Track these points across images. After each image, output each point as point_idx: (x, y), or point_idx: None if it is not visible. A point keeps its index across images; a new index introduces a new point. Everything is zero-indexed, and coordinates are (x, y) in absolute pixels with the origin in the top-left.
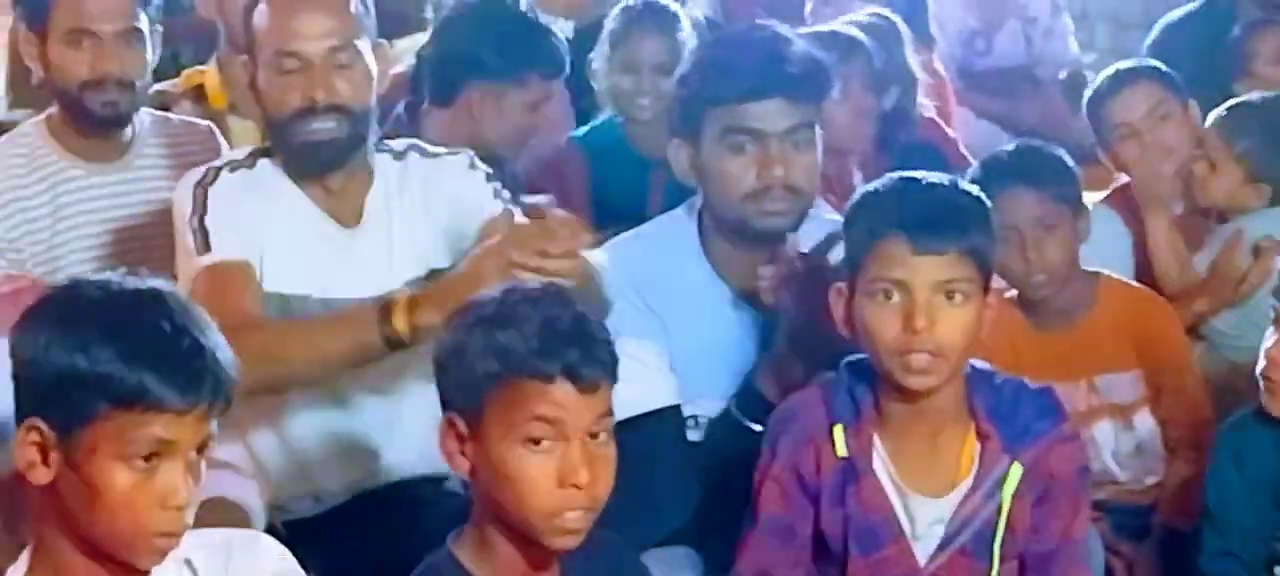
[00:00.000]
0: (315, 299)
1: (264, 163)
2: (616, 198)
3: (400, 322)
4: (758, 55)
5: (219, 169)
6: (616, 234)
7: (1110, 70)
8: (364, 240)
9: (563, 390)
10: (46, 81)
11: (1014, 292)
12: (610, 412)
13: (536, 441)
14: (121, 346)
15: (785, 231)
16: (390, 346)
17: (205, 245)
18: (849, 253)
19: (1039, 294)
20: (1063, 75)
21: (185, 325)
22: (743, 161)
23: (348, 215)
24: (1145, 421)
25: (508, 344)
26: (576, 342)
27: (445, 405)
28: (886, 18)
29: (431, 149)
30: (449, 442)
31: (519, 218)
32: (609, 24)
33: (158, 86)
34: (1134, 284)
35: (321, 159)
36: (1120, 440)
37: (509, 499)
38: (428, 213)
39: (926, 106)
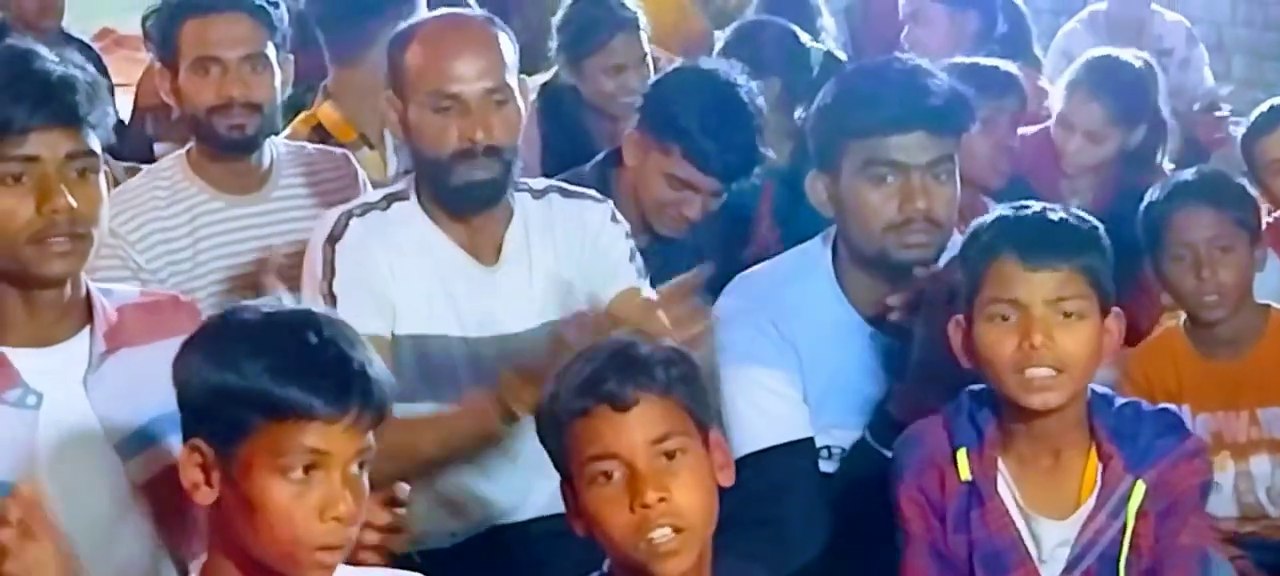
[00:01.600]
0: (455, 337)
1: (399, 205)
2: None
3: (517, 406)
4: (899, 87)
5: (350, 215)
6: None
7: (1266, 106)
8: (504, 278)
9: (602, 416)
10: (180, 113)
11: (1182, 318)
12: (677, 426)
13: (605, 475)
14: (269, 360)
15: (925, 262)
16: (508, 425)
17: None
18: (965, 281)
19: (1210, 316)
20: (1197, 106)
21: (333, 338)
22: (884, 193)
23: (487, 253)
24: None
25: (554, 393)
26: (612, 367)
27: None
28: (1148, 62)
29: (572, 188)
30: (566, 502)
31: (647, 292)
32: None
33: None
34: None
35: (478, 200)
36: (1277, 476)
37: (602, 539)
38: (567, 253)
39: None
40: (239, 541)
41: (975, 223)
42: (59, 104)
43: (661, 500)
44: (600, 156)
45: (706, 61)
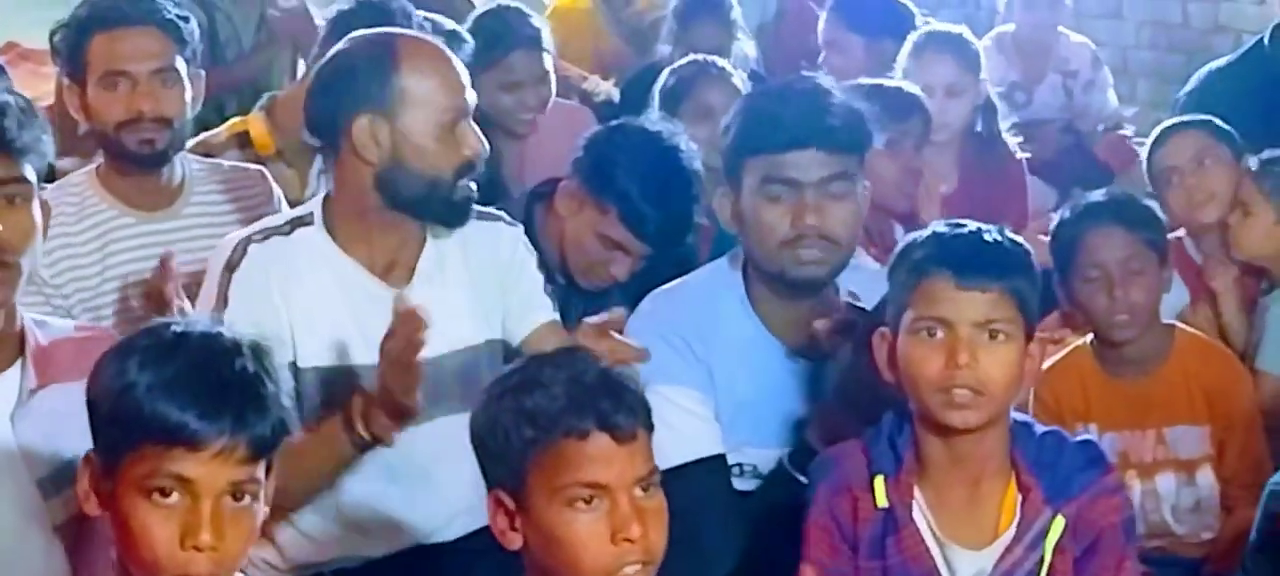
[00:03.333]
0: (363, 365)
1: (302, 231)
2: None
3: (361, 426)
4: (796, 107)
5: (249, 241)
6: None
7: (1165, 123)
8: (415, 299)
9: (600, 443)
10: (89, 129)
11: (1089, 338)
12: (654, 463)
13: (584, 501)
14: (154, 377)
15: (821, 280)
16: (360, 450)
17: None
18: (893, 295)
19: (1120, 336)
20: (1102, 128)
21: (228, 362)
22: (779, 210)
23: (399, 275)
24: (1207, 477)
25: (539, 406)
26: (606, 393)
27: (489, 483)
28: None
29: (484, 210)
30: (499, 521)
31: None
32: (664, 82)
33: (202, 136)
34: (1209, 339)
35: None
36: (1182, 494)
37: (565, 564)
38: (481, 274)
39: None
40: (119, 557)
41: (909, 237)
42: None
43: (643, 536)
44: (527, 193)
45: (650, 122)
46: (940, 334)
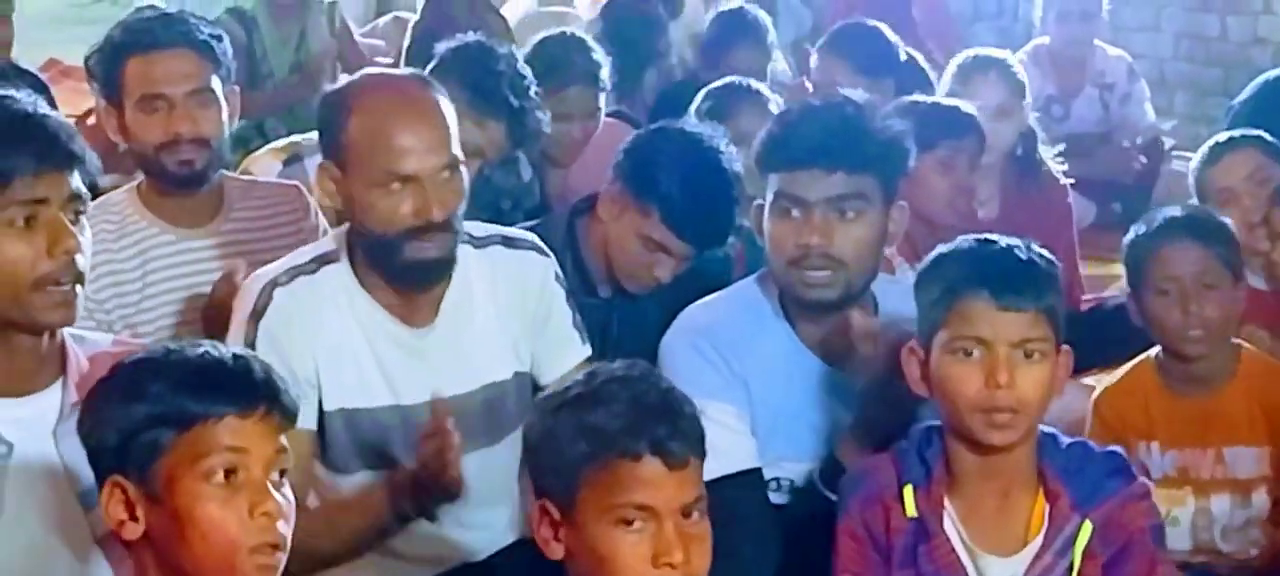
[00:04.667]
0: (386, 407)
1: (328, 270)
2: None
3: (407, 508)
4: (812, 125)
5: (275, 285)
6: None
7: (1216, 139)
8: (438, 340)
9: (652, 467)
10: (128, 150)
11: (1155, 352)
12: (702, 489)
13: (629, 521)
14: (173, 379)
15: (831, 302)
16: (401, 519)
17: None
18: (926, 313)
19: (1192, 351)
20: (1139, 140)
21: (233, 353)
22: (787, 227)
23: (422, 315)
24: (1261, 498)
25: (597, 424)
26: (664, 418)
27: (538, 492)
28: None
29: (515, 237)
30: (543, 530)
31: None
32: (700, 103)
33: (251, 162)
34: (1275, 360)
35: (431, 277)
36: (1234, 515)
37: None
38: (510, 307)
39: None
40: (175, 567)
41: (939, 251)
42: (61, 147)
43: (685, 562)
44: (569, 209)
45: (690, 124)
46: (978, 353)
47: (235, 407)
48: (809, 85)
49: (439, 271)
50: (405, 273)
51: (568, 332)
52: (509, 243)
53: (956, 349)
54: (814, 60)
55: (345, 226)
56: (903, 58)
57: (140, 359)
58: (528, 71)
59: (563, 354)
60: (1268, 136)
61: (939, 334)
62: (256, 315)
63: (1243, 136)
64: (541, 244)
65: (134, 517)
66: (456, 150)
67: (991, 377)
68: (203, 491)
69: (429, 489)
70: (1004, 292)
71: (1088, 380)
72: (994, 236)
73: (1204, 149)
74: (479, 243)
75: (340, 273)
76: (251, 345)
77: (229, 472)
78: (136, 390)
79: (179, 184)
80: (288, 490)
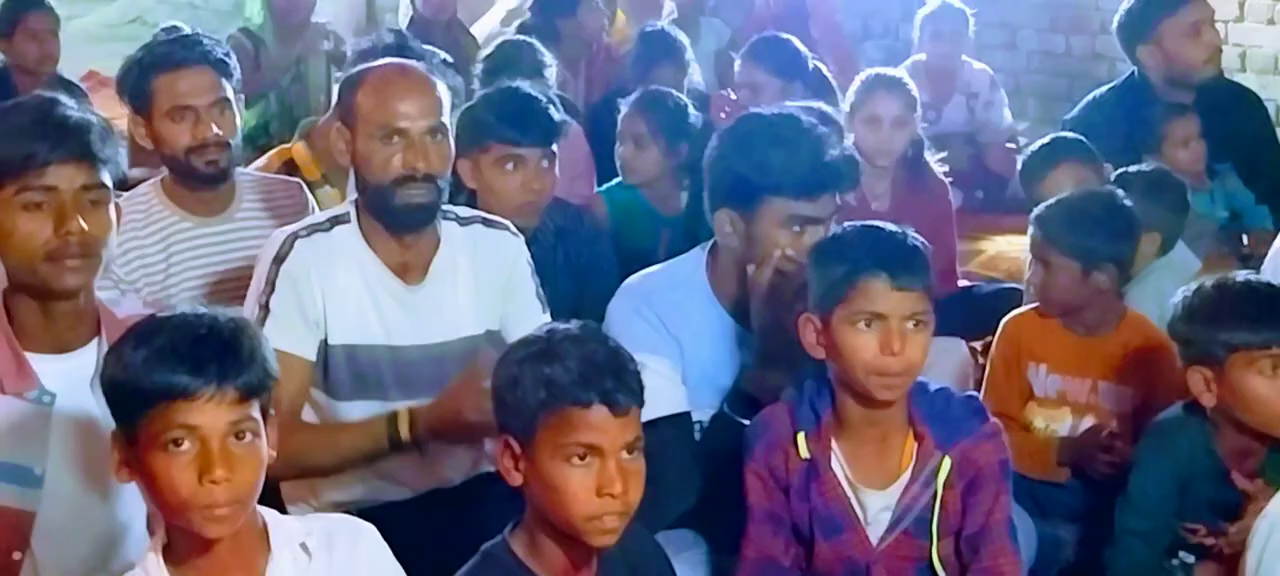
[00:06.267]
0: (382, 346)
1: (340, 229)
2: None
3: (405, 431)
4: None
5: (296, 237)
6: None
7: (1039, 145)
8: (427, 296)
9: (599, 413)
10: (157, 151)
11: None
12: (640, 432)
13: (579, 457)
14: (145, 353)
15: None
16: (394, 448)
17: (261, 327)
18: (827, 288)
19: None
20: (999, 139)
21: (204, 328)
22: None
23: (415, 274)
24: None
25: (554, 376)
26: (611, 373)
27: (501, 429)
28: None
29: (492, 220)
30: (505, 461)
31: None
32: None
33: (256, 165)
34: (1153, 323)
35: (416, 220)
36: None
37: (558, 507)
38: (488, 277)
39: None
40: (156, 508)
41: (836, 233)
42: (75, 142)
43: (624, 492)
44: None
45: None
46: (875, 325)
47: (187, 389)
48: (732, 94)
49: (424, 216)
50: (397, 216)
51: (532, 301)
52: (488, 224)
53: (856, 320)
54: (737, 66)
55: (355, 197)
56: (811, 66)
57: (139, 326)
58: None
59: (527, 318)
60: (1083, 140)
61: (839, 308)
62: (279, 259)
63: (1062, 147)
64: (514, 227)
65: (128, 465)
66: (444, 119)
67: (887, 346)
68: (161, 458)
69: (449, 423)
70: (899, 274)
71: (976, 344)
72: (886, 224)
73: (1028, 156)
74: (464, 222)
75: (350, 232)
76: (272, 285)
77: (182, 442)
78: (122, 358)
79: (205, 181)
80: (250, 442)
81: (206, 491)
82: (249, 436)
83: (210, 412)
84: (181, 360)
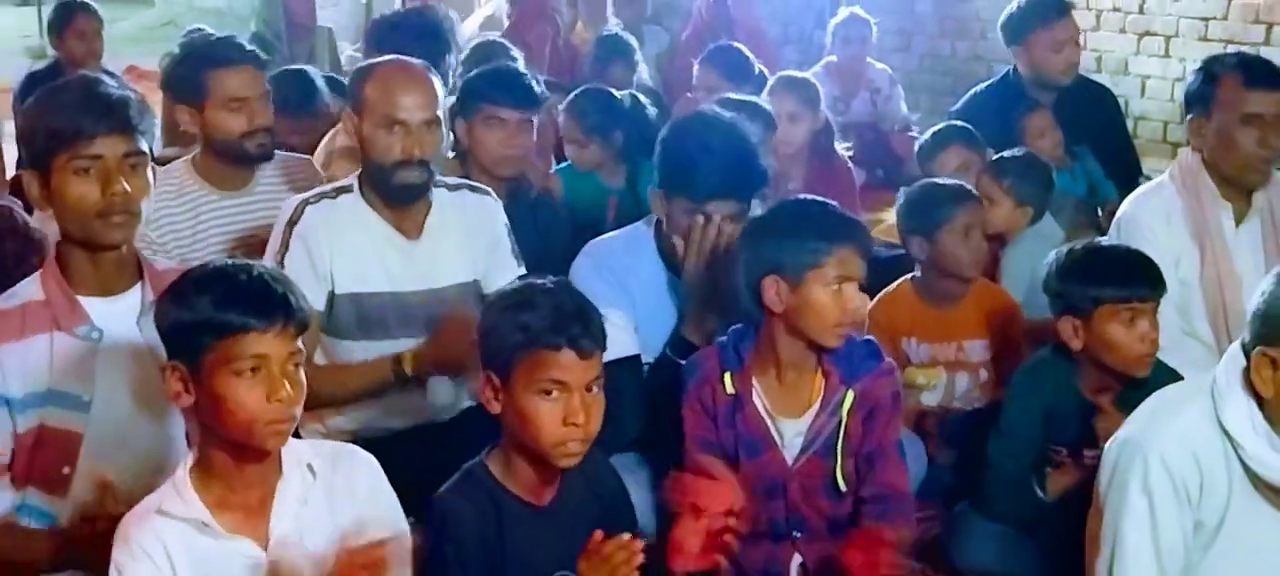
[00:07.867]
0: (386, 292)
1: (345, 197)
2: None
3: (408, 368)
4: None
5: (306, 203)
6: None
7: (932, 132)
8: (424, 249)
9: (568, 356)
10: (205, 136)
11: (912, 276)
12: (601, 371)
13: (548, 392)
14: (212, 295)
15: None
16: (399, 382)
17: None
18: (799, 258)
19: (971, 273)
20: (897, 128)
21: (260, 275)
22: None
23: (412, 230)
24: (984, 373)
25: (529, 322)
26: (578, 321)
27: (484, 366)
28: None
29: (475, 186)
30: (486, 392)
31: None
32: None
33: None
34: (996, 287)
35: (410, 196)
36: (970, 387)
37: (530, 434)
38: (474, 234)
39: None
40: (214, 428)
41: (804, 208)
42: (118, 116)
43: (586, 422)
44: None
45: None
46: (844, 289)
47: (259, 324)
48: (690, 96)
49: (418, 194)
50: (395, 193)
51: (509, 257)
52: (474, 190)
53: (830, 283)
54: (696, 71)
55: (358, 171)
56: (756, 71)
57: (195, 275)
58: None
59: (505, 272)
60: (971, 128)
61: (812, 273)
62: (292, 223)
63: (951, 133)
64: (493, 193)
65: (187, 391)
66: (439, 113)
67: (850, 304)
68: (233, 382)
69: (443, 361)
70: (864, 244)
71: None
72: (830, 202)
73: (923, 140)
74: (452, 188)
75: (354, 199)
76: (287, 245)
77: (254, 370)
78: (187, 301)
79: (252, 161)
80: (298, 369)
81: (273, 408)
82: (297, 367)
83: (276, 344)
84: (253, 300)
